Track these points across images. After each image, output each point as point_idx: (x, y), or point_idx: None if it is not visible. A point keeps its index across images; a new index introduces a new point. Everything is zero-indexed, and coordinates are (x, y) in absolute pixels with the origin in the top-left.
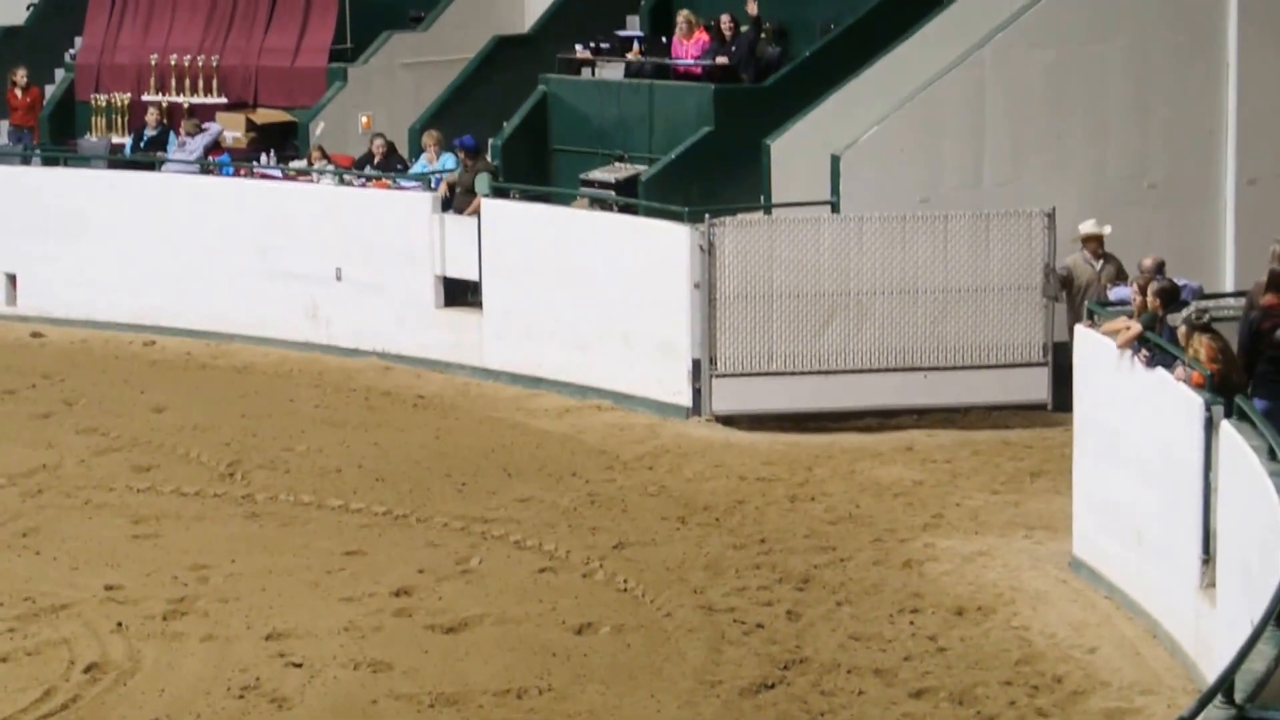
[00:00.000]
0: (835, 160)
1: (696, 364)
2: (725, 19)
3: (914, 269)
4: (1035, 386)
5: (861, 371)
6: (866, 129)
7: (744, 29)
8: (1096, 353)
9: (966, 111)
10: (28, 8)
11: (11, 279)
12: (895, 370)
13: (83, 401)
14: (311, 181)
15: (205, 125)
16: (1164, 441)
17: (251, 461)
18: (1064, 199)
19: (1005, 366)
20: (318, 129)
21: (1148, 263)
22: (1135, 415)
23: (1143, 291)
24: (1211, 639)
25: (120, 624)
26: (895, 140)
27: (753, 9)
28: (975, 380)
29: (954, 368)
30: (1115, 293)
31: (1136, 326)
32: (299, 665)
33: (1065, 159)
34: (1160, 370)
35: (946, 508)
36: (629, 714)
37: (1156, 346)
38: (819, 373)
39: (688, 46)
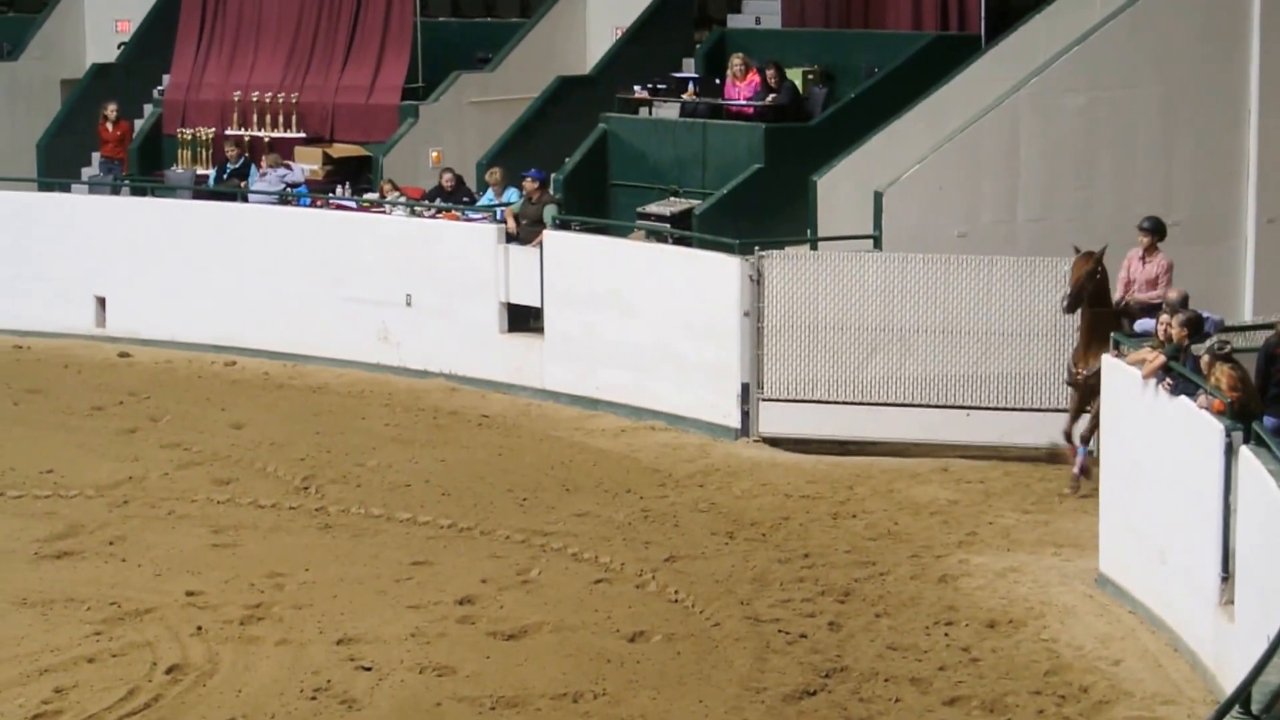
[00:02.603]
0: (878, 196)
1: (745, 388)
2: (771, 72)
3: (956, 307)
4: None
5: (903, 405)
6: (908, 167)
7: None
8: (1123, 381)
9: (1002, 151)
10: (119, 46)
11: (101, 302)
12: (936, 407)
13: (167, 418)
14: (384, 212)
15: (289, 164)
16: (1186, 465)
17: (325, 476)
18: (1092, 237)
19: (1046, 410)
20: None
21: (1173, 295)
22: (1159, 440)
23: (1167, 324)
24: (1230, 653)
25: (200, 628)
26: (935, 178)
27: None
28: (1015, 422)
29: (995, 408)
30: (1141, 325)
31: (1161, 357)
32: (368, 669)
33: (1095, 197)
34: (1183, 398)
35: (980, 526)
36: (678, 718)
37: (1180, 375)
38: (860, 403)
39: (740, 88)
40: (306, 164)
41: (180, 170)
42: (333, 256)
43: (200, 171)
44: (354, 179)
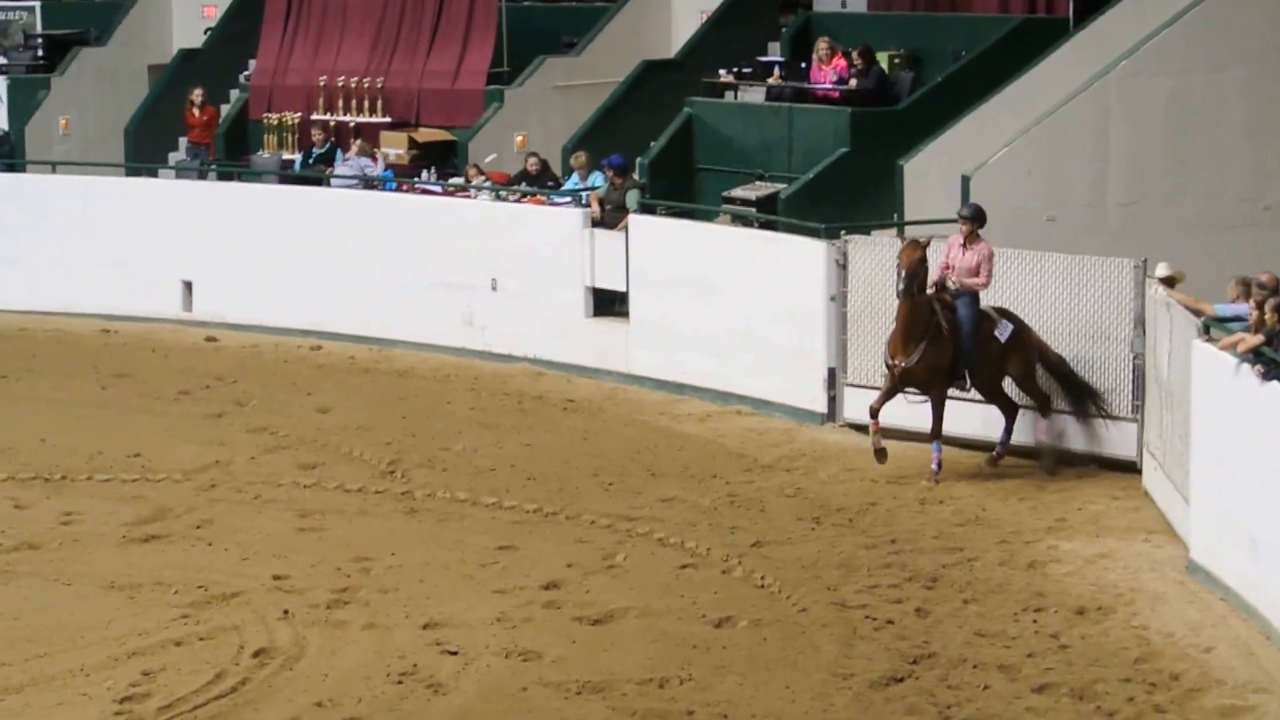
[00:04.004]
0: (965, 180)
1: (831, 373)
2: (857, 56)
3: (1013, 302)
4: (1124, 442)
5: (965, 400)
6: (995, 151)
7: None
8: (1214, 367)
9: (1091, 135)
10: (205, 32)
11: (188, 286)
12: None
13: (253, 402)
14: (469, 197)
15: (374, 157)
16: (1277, 450)
17: (411, 460)
18: (1183, 220)
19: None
20: (488, 158)
21: (1265, 278)
22: (1250, 426)
23: (1260, 307)
24: None
25: (287, 612)
26: (1023, 162)
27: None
28: (1066, 427)
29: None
30: (1230, 309)
31: (1256, 338)
32: (454, 653)
33: (1185, 182)
34: (1274, 383)
35: (1069, 512)
36: (765, 704)
37: (1271, 361)
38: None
39: (826, 72)
40: (392, 148)
41: (266, 155)
42: (418, 241)
43: (286, 156)
44: (439, 164)
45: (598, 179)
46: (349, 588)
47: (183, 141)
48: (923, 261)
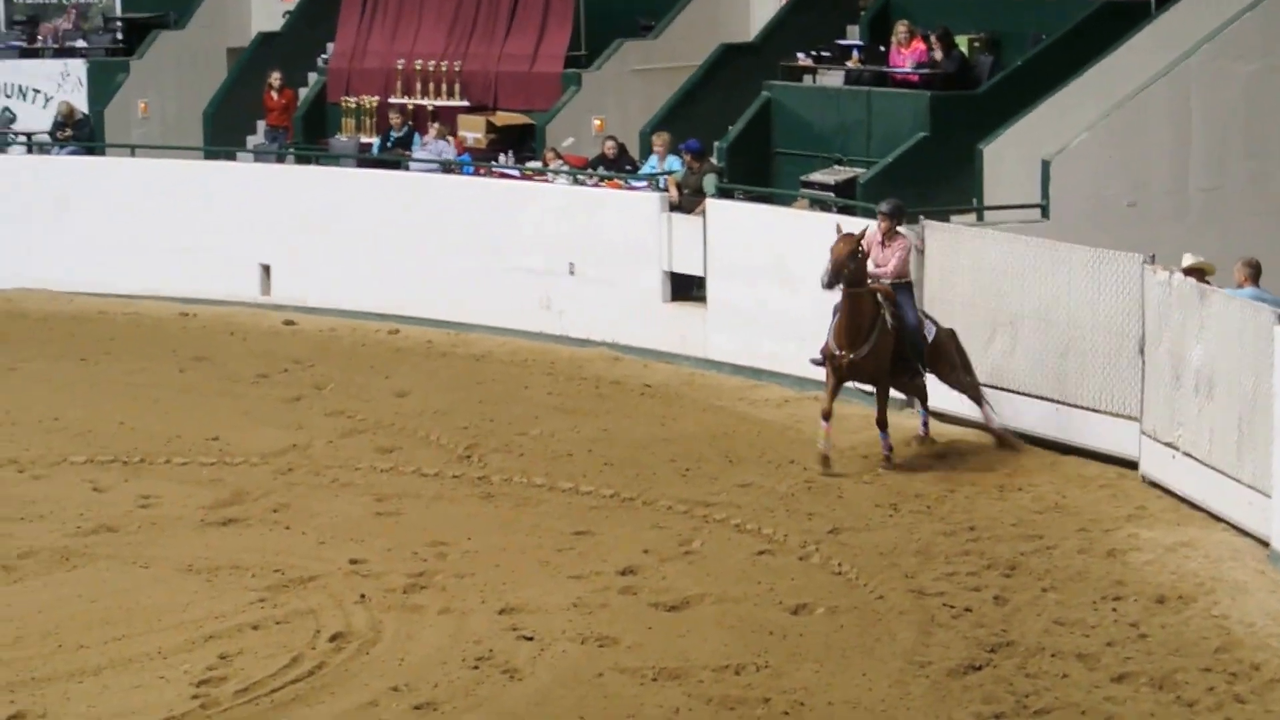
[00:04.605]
0: (1045, 165)
1: None
2: (936, 39)
3: (1050, 297)
4: (1128, 441)
5: (1012, 393)
6: (1075, 135)
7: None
8: None
9: (1173, 119)
10: (284, 15)
11: (266, 269)
12: (1034, 398)
13: (331, 386)
14: (547, 181)
15: (449, 140)
16: None
17: (488, 445)
18: (1264, 206)
19: (1103, 413)
20: (566, 142)
21: None
22: None
23: None
24: None
25: (363, 596)
26: (1104, 146)
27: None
28: (1082, 423)
29: (1079, 407)
30: (1233, 294)
31: None
32: (530, 639)
33: (1268, 166)
34: None
35: (1149, 500)
36: (841, 692)
37: None
38: (985, 385)
39: (905, 55)
40: (469, 132)
41: (344, 138)
42: (495, 225)
43: (364, 140)
44: (517, 147)
45: (675, 163)
46: (425, 572)
47: (261, 125)
48: (853, 255)
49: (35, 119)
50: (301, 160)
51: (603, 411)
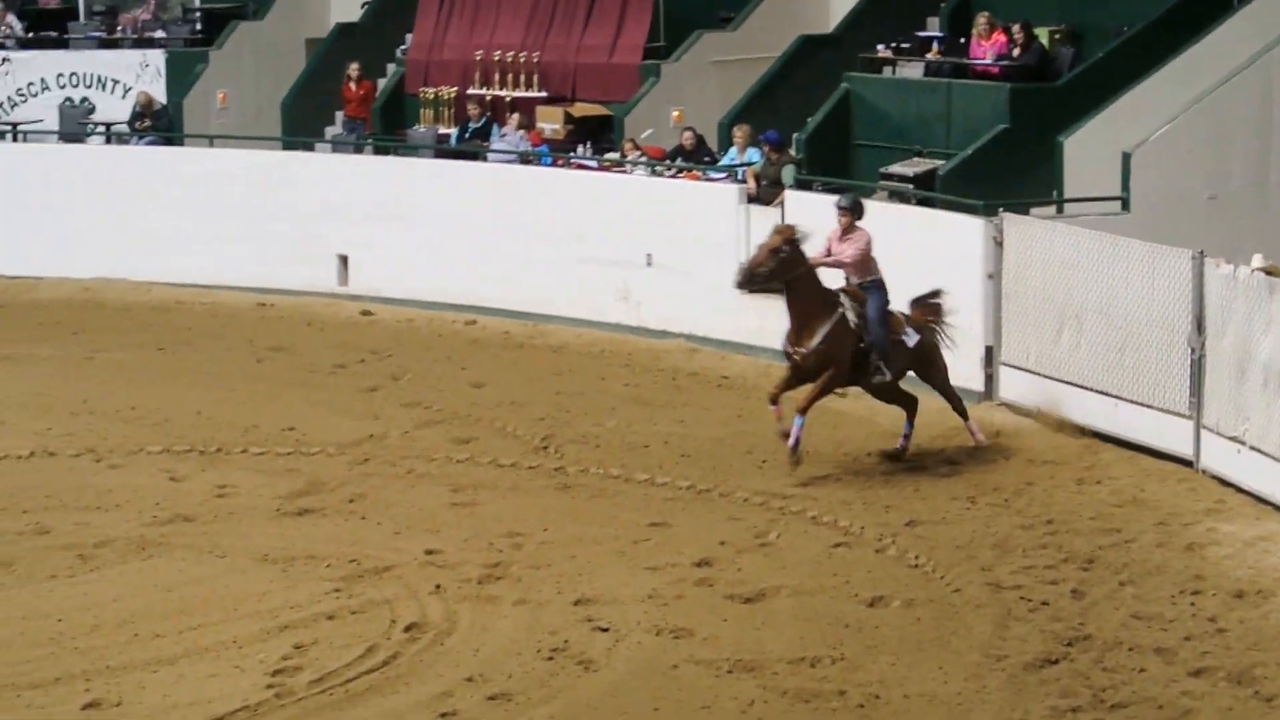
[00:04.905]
0: (1126, 158)
1: (989, 351)
2: (1017, 31)
3: (1109, 291)
4: (1181, 438)
5: (1076, 386)
6: (1157, 128)
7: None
8: None
9: (1255, 112)
10: (362, 6)
11: (344, 260)
12: (1096, 392)
13: (407, 377)
14: (625, 172)
15: (523, 131)
16: None
17: (564, 436)
18: None
19: (1156, 409)
20: (644, 133)
21: None
22: None
23: None
24: None
25: (438, 586)
26: (1184, 139)
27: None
28: (1135, 419)
29: (1135, 402)
30: None
31: None
32: (605, 630)
33: None
34: None
35: (1228, 494)
36: (917, 685)
37: None
38: (1052, 379)
39: (985, 47)
40: (548, 123)
41: (422, 129)
42: (573, 216)
43: (442, 131)
44: (595, 138)
45: (754, 155)
46: (501, 563)
47: (339, 116)
48: (775, 253)
49: (114, 109)
50: (379, 151)
51: (679, 403)
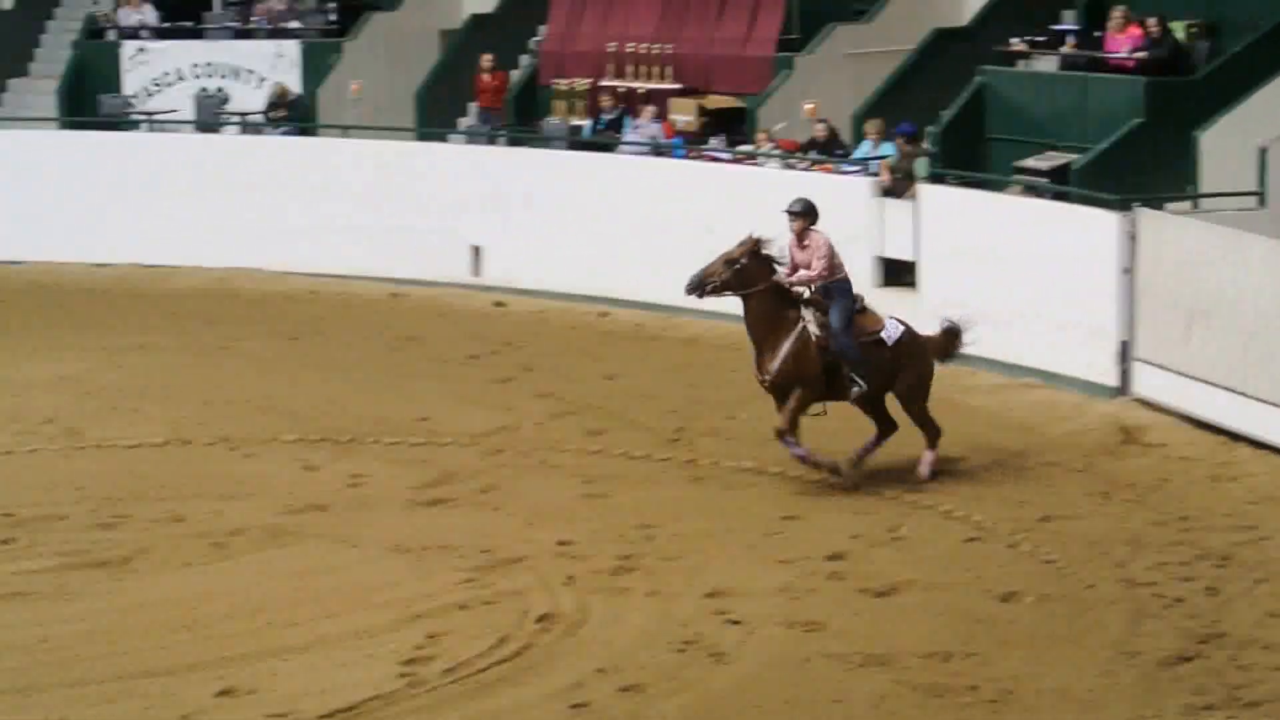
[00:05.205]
0: (1262, 153)
1: (1124, 347)
2: (1152, 22)
3: (1234, 288)
4: None
5: (1207, 384)
6: None
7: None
8: None
9: None
10: None
11: (476, 251)
12: (1227, 390)
13: (540, 368)
14: (757, 165)
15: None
16: None
17: (696, 428)
18: None
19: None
20: (778, 125)
21: None
22: None
23: None
24: None
25: (570, 578)
26: None
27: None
28: (1269, 417)
29: (1267, 401)
30: None
31: None
32: (737, 623)
33: None
34: None
35: None
36: (1050, 680)
37: None
38: (1185, 375)
39: (1120, 40)
40: (681, 115)
41: (555, 121)
42: (705, 208)
43: (575, 122)
44: (729, 131)
45: (888, 148)
46: (632, 555)
47: (472, 107)
48: (731, 263)
49: (248, 100)
50: (513, 143)
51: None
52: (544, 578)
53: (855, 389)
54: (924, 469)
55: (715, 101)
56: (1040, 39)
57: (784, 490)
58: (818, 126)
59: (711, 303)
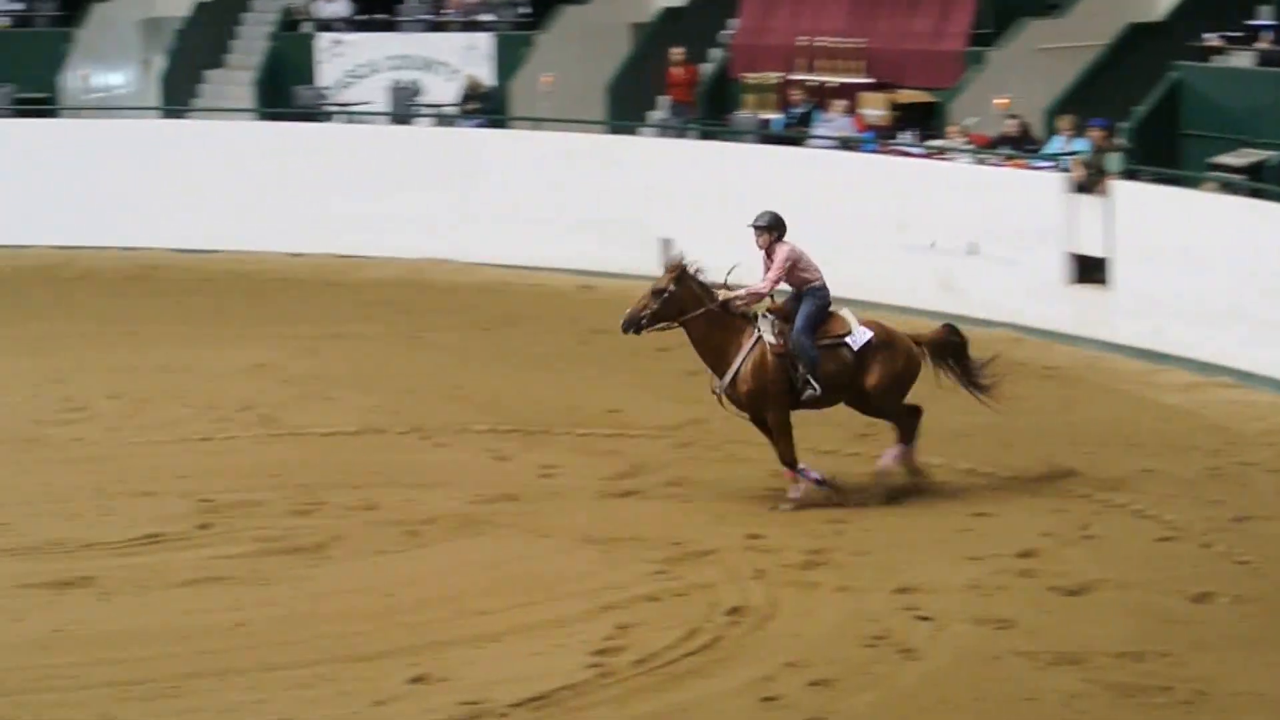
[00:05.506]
0: None
1: None
2: None
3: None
4: None
5: None
6: None
7: None
8: None
9: None
10: None
11: (667, 244)
12: None
13: None
14: (948, 160)
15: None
16: None
17: (885, 424)
18: None
19: None
20: (971, 120)
21: None
22: None
23: None
24: None
25: (760, 571)
26: None
27: None
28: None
29: None
30: None
31: None
32: (927, 619)
33: None
34: None
35: None
36: (1245, 682)
37: None
38: None
39: None
40: (872, 109)
41: (745, 114)
42: (895, 203)
43: (765, 116)
44: (920, 125)
45: (1080, 145)
46: (822, 549)
47: (662, 100)
48: (658, 294)
49: (441, 92)
50: (704, 136)
51: (1003, 393)
52: (734, 571)
53: (809, 392)
54: (887, 460)
55: (906, 96)
56: (1236, 34)
57: (974, 487)
58: (1009, 121)
59: (901, 298)
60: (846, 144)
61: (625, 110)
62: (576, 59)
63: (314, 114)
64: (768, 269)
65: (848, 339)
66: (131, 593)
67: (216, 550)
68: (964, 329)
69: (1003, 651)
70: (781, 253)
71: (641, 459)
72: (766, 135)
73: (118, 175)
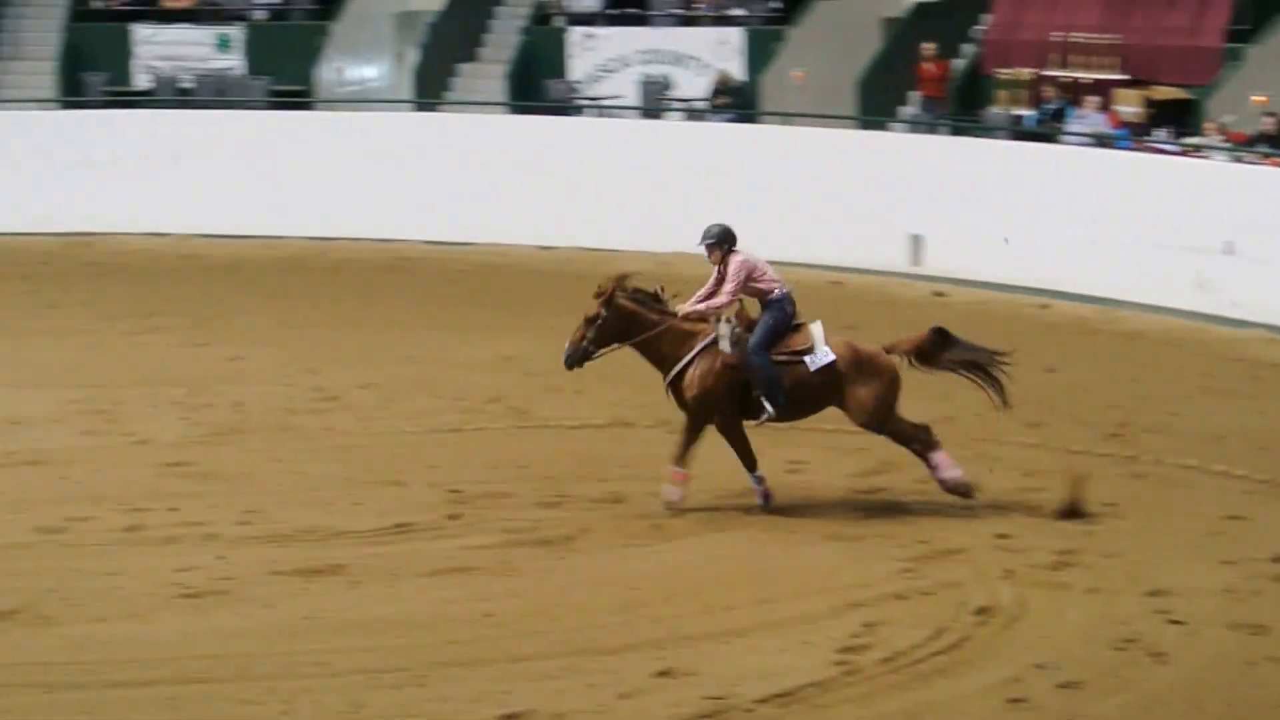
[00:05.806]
0: None
1: None
2: None
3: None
4: None
5: None
6: None
7: None
8: None
9: None
10: None
11: (916, 240)
12: None
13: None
14: (1204, 158)
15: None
16: None
17: (1137, 424)
18: None
19: None
20: (1225, 118)
21: None
22: None
23: None
24: None
25: (1009, 571)
26: None
27: None
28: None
29: None
30: None
31: None
32: (1178, 623)
33: None
34: None
35: None
36: None
37: None
38: None
39: None
40: (1127, 106)
41: (998, 110)
42: (1150, 201)
43: (1017, 112)
44: (1176, 122)
45: None
46: (1072, 550)
47: (914, 95)
48: (591, 322)
49: (691, 86)
50: (956, 132)
51: (1259, 394)
52: (982, 570)
53: (765, 414)
54: (945, 473)
55: (1162, 93)
56: None
57: (1228, 490)
58: (1267, 119)
59: (1154, 297)
60: (1100, 141)
61: (876, 106)
62: (827, 54)
63: (565, 108)
64: (719, 283)
65: (806, 358)
66: (381, 581)
67: (465, 541)
68: (1217, 329)
69: (1258, 658)
70: (734, 264)
71: (889, 456)
72: (1018, 131)
73: (372, 168)
